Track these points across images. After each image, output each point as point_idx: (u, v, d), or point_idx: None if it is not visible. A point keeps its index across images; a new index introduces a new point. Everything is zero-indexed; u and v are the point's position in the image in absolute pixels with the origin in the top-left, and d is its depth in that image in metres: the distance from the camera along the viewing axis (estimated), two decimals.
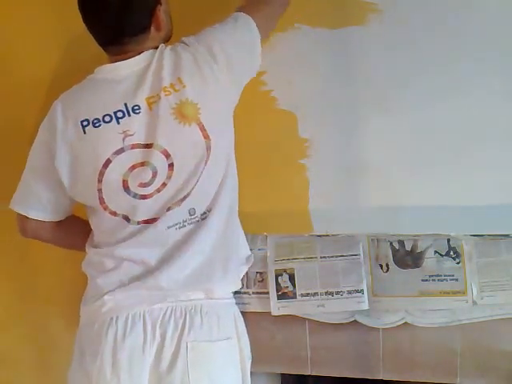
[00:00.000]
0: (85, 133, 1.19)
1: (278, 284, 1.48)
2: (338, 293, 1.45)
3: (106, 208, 1.23)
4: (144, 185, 1.20)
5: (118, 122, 1.18)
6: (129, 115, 1.18)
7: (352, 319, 1.45)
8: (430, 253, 1.42)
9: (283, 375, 1.77)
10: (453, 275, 1.41)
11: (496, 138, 1.37)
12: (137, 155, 1.19)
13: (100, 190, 1.21)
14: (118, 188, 1.20)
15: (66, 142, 1.21)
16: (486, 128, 1.37)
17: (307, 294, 1.47)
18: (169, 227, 1.22)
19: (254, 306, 1.49)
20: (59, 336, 1.67)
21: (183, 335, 1.19)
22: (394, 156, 1.42)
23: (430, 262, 1.42)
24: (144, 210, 1.22)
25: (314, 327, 1.48)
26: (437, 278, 1.41)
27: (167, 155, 1.19)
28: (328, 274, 1.46)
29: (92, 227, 1.30)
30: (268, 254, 1.50)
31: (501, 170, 1.37)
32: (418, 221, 1.41)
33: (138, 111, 1.18)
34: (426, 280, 1.42)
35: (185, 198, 1.21)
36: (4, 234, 1.64)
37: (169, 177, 1.20)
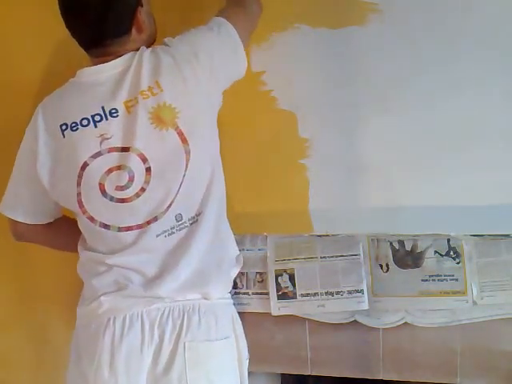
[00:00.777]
0: (64, 137, 1.20)
1: (278, 284, 1.48)
2: (338, 293, 1.45)
3: (84, 212, 1.22)
4: (121, 188, 1.19)
5: (96, 126, 1.18)
6: (106, 119, 1.18)
7: (352, 319, 1.45)
8: (430, 253, 1.42)
9: (283, 375, 1.77)
10: (453, 275, 1.41)
11: (496, 137, 1.37)
12: (114, 159, 1.19)
13: (79, 194, 1.21)
14: (95, 191, 1.20)
15: (46, 146, 1.22)
16: (486, 128, 1.37)
17: (307, 294, 1.47)
18: (157, 235, 1.21)
19: (254, 306, 1.49)
20: (59, 336, 1.67)
21: (181, 335, 1.19)
22: (394, 156, 1.42)
23: (429, 261, 1.42)
24: (124, 215, 1.21)
25: (314, 327, 1.48)
26: (437, 278, 1.41)
27: (144, 159, 1.18)
28: (328, 273, 1.46)
29: (81, 231, 1.30)
30: (268, 254, 1.50)
31: (501, 170, 1.37)
32: (418, 221, 1.41)
33: (115, 114, 1.18)
34: (426, 280, 1.42)
35: (170, 205, 1.20)
36: (3, 235, 1.64)
37: (147, 181, 1.19)
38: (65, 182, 1.22)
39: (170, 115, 1.17)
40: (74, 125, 1.19)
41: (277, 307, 1.48)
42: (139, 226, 1.21)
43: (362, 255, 1.45)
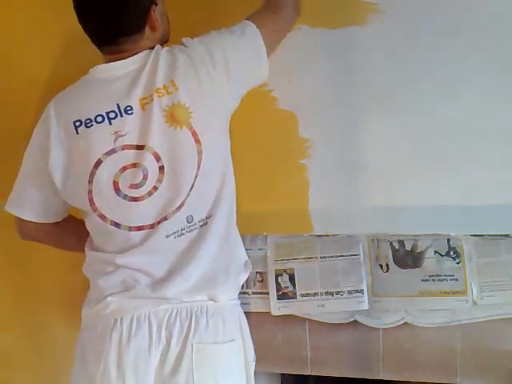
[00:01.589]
0: (77, 133, 1.19)
1: (278, 284, 1.48)
2: (338, 293, 1.45)
3: (95, 210, 1.22)
4: (135, 186, 1.19)
5: (110, 123, 1.18)
6: (121, 116, 1.18)
7: (352, 319, 1.45)
8: (430, 253, 1.42)
9: (283, 375, 1.77)
10: (453, 275, 1.41)
11: (496, 138, 1.37)
12: (128, 156, 1.18)
13: (90, 191, 1.20)
14: (108, 189, 1.19)
15: (59, 143, 1.21)
16: (486, 128, 1.37)
17: (307, 294, 1.47)
18: (167, 236, 1.21)
19: (254, 306, 1.49)
20: (59, 336, 1.67)
21: (188, 337, 1.18)
22: (394, 156, 1.42)
23: (430, 262, 1.42)
24: (136, 214, 1.20)
25: (314, 327, 1.48)
26: (437, 278, 1.41)
27: (158, 158, 1.18)
28: (328, 273, 1.46)
29: (88, 230, 1.30)
30: (268, 254, 1.50)
31: (501, 170, 1.37)
32: (418, 221, 1.41)
33: (130, 112, 1.18)
34: (426, 280, 1.42)
35: (181, 205, 1.20)
36: (4, 236, 1.64)
37: (159, 180, 1.19)
38: (77, 178, 1.21)
39: (185, 115, 1.17)
40: (88, 121, 1.19)
41: (277, 307, 1.48)
42: (150, 226, 1.21)
43: (362, 255, 1.45)
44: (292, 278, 1.48)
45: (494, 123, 1.37)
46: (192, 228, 1.22)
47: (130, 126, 1.18)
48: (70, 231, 1.38)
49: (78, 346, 1.26)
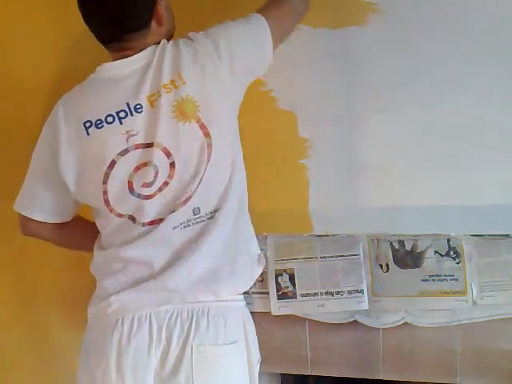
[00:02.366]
0: (88, 134, 1.18)
1: (278, 284, 1.48)
2: (338, 293, 1.45)
3: (111, 210, 1.21)
4: (147, 185, 1.18)
5: (121, 123, 1.17)
6: (131, 115, 1.17)
7: (352, 319, 1.45)
8: (430, 253, 1.42)
9: (283, 375, 1.77)
10: (453, 275, 1.41)
11: (496, 137, 1.37)
12: (140, 155, 1.18)
13: (105, 192, 1.19)
14: (123, 189, 1.19)
15: (69, 143, 1.20)
16: (486, 128, 1.37)
17: (307, 294, 1.47)
18: (174, 227, 1.20)
19: (254, 305, 1.49)
20: (59, 336, 1.67)
21: (189, 338, 1.16)
22: (394, 156, 1.42)
23: (430, 261, 1.42)
24: (149, 210, 1.20)
25: (314, 327, 1.48)
26: (437, 278, 1.41)
27: (168, 154, 1.17)
28: (328, 274, 1.46)
29: (98, 229, 1.29)
30: (268, 254, 1.50)
31: (501, 170, 1.37)
32: (418, 221, 1.41)
33: (140, 110, 1.17)
34: (426, 280, 1.42)
35: (189, 197, 1.19)
36: (4, 235, 1.64)
37: (170, 176, 1.18)
38: (91, 180, 1.20)
39: (192, 108, 1.16)
40: (98, 122, 1.17)
41: (277, 307, 1.48)
42: (160, 220, 1.20)
43: (362, 255, 1.45)
44: (292, 278, 1.48)
45: (493, 123, 1.37)
46: (198, 220, 1.21)
47: (140, 125, 1.17)
48: (77, 230, 1.38)
49: (83, 344, 1.26)
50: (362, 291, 1.44)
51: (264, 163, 1.48)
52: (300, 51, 1.44)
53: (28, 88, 1.61)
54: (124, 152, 1.17)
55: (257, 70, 1.27)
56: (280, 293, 1.48)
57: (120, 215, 1.22)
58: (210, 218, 1.21)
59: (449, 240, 1.42)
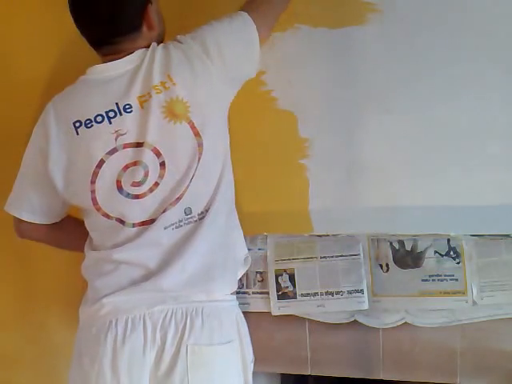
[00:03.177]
0: (78, 134, 1.19)
1: (278, 284, 1.48)
2: (338, 293, 1.45)
3: (99, 209, 1.22)
4: (137, 184, 1.19)
5: (110, 122, 1.18)
6: (120, 114, 1.18)
7: (352, 319, 1.45)
8: (430, 253, 1.42)
9: (283, 375, 1.77)
10: (453, 275, 1.41)
11: (496, 138, 1.37)
12: (129, 154, 1.19)
13: (93, 191, 1.20)
14: (111, 188, 1.20)
15: (59, 144, 1.21)
16: (486, 128, 1.37)
17: (307, 294, 1.47)
18: (165, 228, 1.20)
19: (254, 306, 1.49)
20: (59, 336, 1.67)
21: (183, 338, 1.17)
22: (394, 156, 1.42)
23: (430, 262, 1.42)
24: (138, 211, 1.20)
25: (314, 327, 1.48)
26: (437, 278, 1.41)
27: (158, 154, 1.18)
28: (328, 274, 1.46)
29: (88, 230, 1.30)
30: (268, 254, 1.50)
31: (501, 170, 1.37)
32: (418, 221, 1.41)
33: (129, 110, 1.18)
34: (426, 280, 1.42)
35: (180, 197, 1.20)
36: (4, 235, 1.64)
37: (161, 176, 1.19)
38: (79, 179, 1.21)
39: (183, 109, 1.18)
40: (88, 122, 1.19)
41: (277, 307, 1.48)
42: (152, 221, 1.21)
43: (361, 255, 1.45)
44: (292, 278, 1.48)
45: (494, 123, 1.37)
46: (190, 220, 1.21)
47: (129, 125, 1.18)
48: (69, 231, 1.39)
49: (75, 345, 1.26)
50: (362, 291, 1.44)
51: (264, 163, 1.48)
52: (300, 51, 1.44)
53: (23, 88, 1.61)
54: (112, 151, 1.18)
55: (247, 68, 1.27)
56: (280, 293, 1.48)
57: (108, 216, 1.22)
58: (201, 218, 1.22)
59: (449, 240, 1.42)
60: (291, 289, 1.48)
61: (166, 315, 1.19)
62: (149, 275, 1.20)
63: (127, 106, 1.18)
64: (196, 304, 1.20)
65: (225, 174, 1.25)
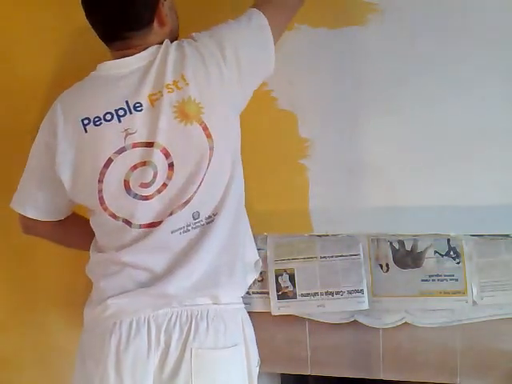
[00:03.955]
0: (86, 131, 1.17)
1: (278, 284, 1.48)
2: (337, 293, 1.45)
3: (105, 209, 1.20)
4: (145, 185, 1.17)
5: (120, 120, 1.16)
6: (130, 113, 1.15)
7: (352, 319, 1.45)
8: (430, 253, 1.42)
9: (283, 375, 1.77)
10: (453, 275, 1.41)
11: (496, 138, 1.37)
12: (138, 154, 1.16)
13: (100, 191, 1.18)
14: (119, 188, 1.18)
15: (67, 141, 1.19)
16: (486, 128, 1.37)
17: (307, 294, 1.47)
18: (173, 232, 1.18)
19: (254, 305, 1.49)
20: (59, 336, 1.67)
21: (188, 341, 1.15)
22: (394, 156, 1.42)
23: (430, 262, 1.42)
24: (145, 212, 1.18)
25: (314, 327, 1.48)
26: (437, 278, 1.41)
27: (167, 154, 1.16)
28: (328, 274, 1.46)
29: (94, 230, 1.28)
30: (268, 254, 1.50)
31: (501, 170, 1.37)
32: (418, 221, 1.41)
33: (139, 109, 1.15)
34: (426, 280, 1.42)
35: (188, 201, 1.18)
36: (4, 236, 1.64)
37: (169, 177, 1.17)
38: (86, 178, 1.19)
39: (196, 110, 1.15)
40: (97, 119, 1.16)
41: (277, 307, 1.48)
42: (158, 223, 1.18)
43: (361, 255, 1.45)
44: (292, 278, 1.48)
45: (494, 123, 1.37)
46: (198, 225, 1.19)
47: (139, 123, 1.16)
48: (74, 229, 1.38)
49: (79, 348, 1.25)
50: (362, 291, 1.44)
51: (264, 163, 1.48)
52: (300, 51, 1.44)
53: (26, 87, 1.60)
54: (121, 150, 1.16)
55: (262, 70, 1.25)
56: (280, 293, 1.48)
57: (115, 217, 1.20)
58: (209, 222, 1.20)
59: (449, 240, 1.42)
60: (291, 289, 1.48)
61: (170, 318, 1.17)
62: (154, 280, 1.19)
63: (137, 105, 1.15)
64: (201, 307, 1.19)
65: (235, 177, 1.22)
